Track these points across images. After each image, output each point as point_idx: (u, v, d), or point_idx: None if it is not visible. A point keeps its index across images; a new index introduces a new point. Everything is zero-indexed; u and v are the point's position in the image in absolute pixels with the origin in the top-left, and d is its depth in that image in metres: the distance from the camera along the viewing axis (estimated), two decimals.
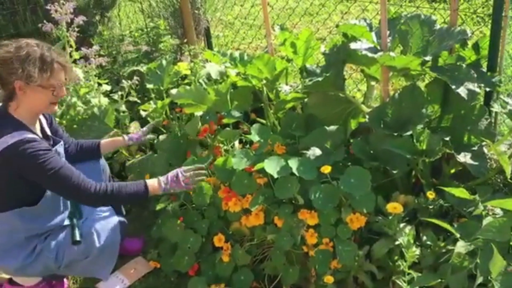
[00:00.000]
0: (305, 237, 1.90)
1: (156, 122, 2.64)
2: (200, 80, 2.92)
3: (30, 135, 1.83)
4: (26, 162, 1.80)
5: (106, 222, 2.10)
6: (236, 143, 2.45)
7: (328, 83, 2.20)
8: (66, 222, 2.10)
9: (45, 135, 2.06)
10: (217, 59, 2.65)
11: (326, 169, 1.88)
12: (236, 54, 2.70)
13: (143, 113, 2.85)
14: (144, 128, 2.52)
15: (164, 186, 2.01)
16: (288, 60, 2.57)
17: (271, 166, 1.94)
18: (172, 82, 2.90)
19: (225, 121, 2.50)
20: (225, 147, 2.35)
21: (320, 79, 2.14)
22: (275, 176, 1.92)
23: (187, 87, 2.47)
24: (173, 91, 2.50)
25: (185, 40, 3.57)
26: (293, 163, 1.93)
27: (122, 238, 2.20)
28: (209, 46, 3.61)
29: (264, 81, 2.52)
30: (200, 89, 2.47)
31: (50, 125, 2.16)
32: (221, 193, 2.11)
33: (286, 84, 2.64)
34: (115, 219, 2.13)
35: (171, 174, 2.05)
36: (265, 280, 2.08)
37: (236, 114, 2.42)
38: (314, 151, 2.08)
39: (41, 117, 2.09)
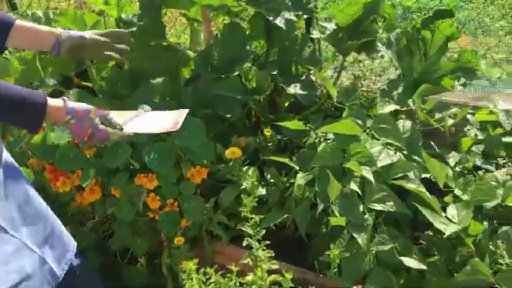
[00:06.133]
0: (148, 202, 1.77)
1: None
2: None
3: None
4: None
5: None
6: None
7: (145, 32, 2.01)
8: None
9: None
10: None
11: None
12: (40, 13, 2.36)
13: None
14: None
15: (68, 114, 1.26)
16: (100, 14, 2.31)
17: None
18: None
19: (40, 91, 2.19)
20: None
21: (134, 29, 1.94)
22: None
23: None
24: None
25: None
26: None
27: None
28: (13, 7, 3.13)
29: None
30: (1, 60, 2.12)
31: None
32: (47, 174, 1.86)
33: None
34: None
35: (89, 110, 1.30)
36: (117, 255, 1.94)
37: (51, 82, 2.13)
38: (143, 109, 1.90)
39: None
